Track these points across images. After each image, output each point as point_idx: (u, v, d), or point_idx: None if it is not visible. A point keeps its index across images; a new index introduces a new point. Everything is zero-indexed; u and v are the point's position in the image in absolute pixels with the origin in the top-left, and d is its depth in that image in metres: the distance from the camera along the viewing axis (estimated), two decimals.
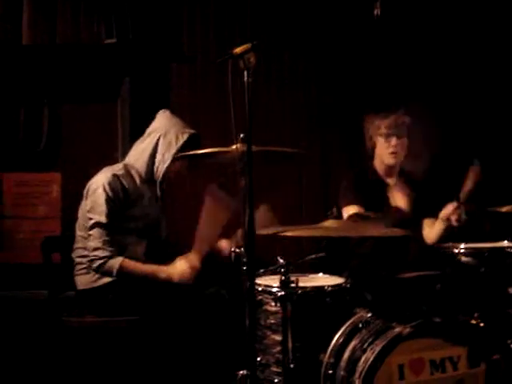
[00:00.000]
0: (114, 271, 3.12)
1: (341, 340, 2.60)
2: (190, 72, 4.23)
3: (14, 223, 4.07)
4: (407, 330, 2.32)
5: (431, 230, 3.28)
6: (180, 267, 3.18)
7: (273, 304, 2.95)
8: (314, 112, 4.42)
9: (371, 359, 2.27)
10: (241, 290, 2.81)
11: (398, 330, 2.36)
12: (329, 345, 2.68)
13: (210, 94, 4.12)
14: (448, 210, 3.07)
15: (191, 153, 2.93)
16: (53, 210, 4.06)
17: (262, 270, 2.66)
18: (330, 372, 2.54)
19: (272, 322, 2.95)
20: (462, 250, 2.53)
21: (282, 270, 2.56)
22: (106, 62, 4.00)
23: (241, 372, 2.78)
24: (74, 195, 3.45)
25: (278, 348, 2.90)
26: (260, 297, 2.90)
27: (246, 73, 2.29)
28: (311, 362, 2.73)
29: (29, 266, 3.87)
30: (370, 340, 2.39)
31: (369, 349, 2.33)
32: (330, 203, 2.87)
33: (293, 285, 2.66)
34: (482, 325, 2.34)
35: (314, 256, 2.57)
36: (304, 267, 2.78)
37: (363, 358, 2.33)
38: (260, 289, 2.91)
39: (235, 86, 2.31)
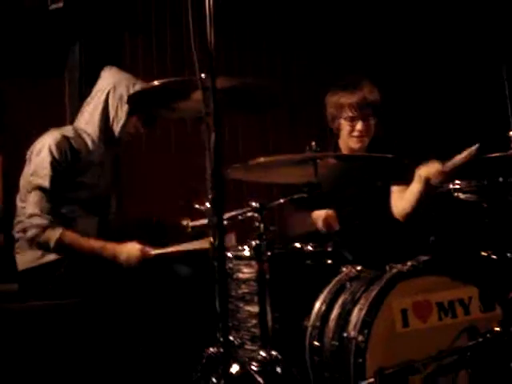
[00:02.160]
0: (52, 243, 2.68)
1: (327, 299, 2.21)
2: (144, 43, 3.83)
3: None
4: (408, 266, 1.96)
5: (403, 197, 2.88)
6: (130, 248, 2.75)
7: (245, 270, 2.66)
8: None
9: (367, 304, 1.89)
10: (204, 261, 2.57)
11: (396, 268, 2.00)
12: (312, 309, 2.35)
13: (167, 67, 3.77)
14: (430, 168, 2.70)
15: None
16: None
17: (233, 213, 2.31)
18: (316, 336, 2.18)
19: (245, 291, 2.60)
20: (457, 187, 2.21)
21: (256, 214, 2.24)
22: (52, 30, 3.57)
23: (210, 349, 2.54)
24: (16, 179, 3.01)
25: (254, 321, 2.55)
26: (229, 265, 2.60)
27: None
28: (294, 332, 2.35)
29: None
30: (363, 289, 2.01)
31: (362, 296, 1.96)
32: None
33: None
34: (493, 257, 1.99)
35: (293, 196, 2.24)
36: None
37: (356, 308, 1.95)
38: (229, 255, 2.61)
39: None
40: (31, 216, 2.70)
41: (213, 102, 1.93)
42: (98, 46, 3.72)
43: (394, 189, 2.97)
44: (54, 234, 2.68)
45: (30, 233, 2.69)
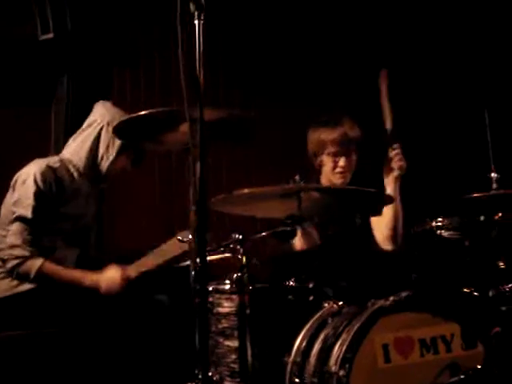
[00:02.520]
0: (32, 274, 2.64)
1: (308, 335, 2.18)
2: (132, 76, 3.86)
3: None
4: (389, 302, 1.94)
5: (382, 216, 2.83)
6: (110, 275, 2.72)
7: (226, 305, 2.63)
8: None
9: (348, 339, 1.87)
10: (185, 294, 2.53)
11: (378, 304, 1.98)
12: (293, 345, 2.32)
13: (155, 100, 3.77)
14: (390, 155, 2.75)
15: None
16: None
17: (213, 246, 2.29)
18: (297, 373, 2.14)
19: (225, 326, 2.57)
20: (439, 224, 2.22)
21: (238, 246, 2.22)
22: (42, 60, 3.60)
23: None
24: None
25: (233, 357, 2.51)
26: (209, 299, 2.56)
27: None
28: (274, 368, 2.29)
29: None
30: (345, 323, 1.98)
31: (344, 331, 1.93)
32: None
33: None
34: (475, 294, 1.99)
35: (276, 229, 2.22)
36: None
37: (338, 343, 1.92)
38: (210, 288, 2.58)
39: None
40: (12, 247, 2.66)
41: (200, 131, 1.96)
42: (87, 79, 3.73)
43: (373, 220, 2.94)
44: (34, 265, 2.64)
45: (10, 264, 2.64)
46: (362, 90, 3.99)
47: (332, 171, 2.95)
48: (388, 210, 2.80)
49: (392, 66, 2.90)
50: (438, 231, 2.17)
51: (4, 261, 2.67)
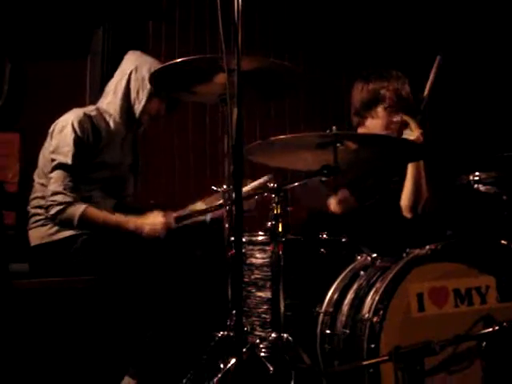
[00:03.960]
0: (75, 220, 2.66)
1: (340, 286, 2.20)
2: (167, 31, 3.86)
3: None
4: (425, 251, 1.92)
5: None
6: (153, 219, 2.74)
7: (258, 256, 2.63)
8: None
9: (382, 288, 1.86)
10: (219, 247, 2.55)
11: (414, 253, 1.97)
12: (325, 296, 2.30)
13: (189, 54, 3.78)
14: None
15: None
16: (10, 174, 3.66)
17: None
18: (328, 323, 2.15)
19: (257, 276, 2.59)
20: (476, 178, 2.19)
21: (273, 195, 2.19)
22: (77, 13, 3.60)
23: (220, 333, 2.51)
24: (34, 159, 2.99)
25: (265, 307, 2.53)
26: (242, 250, 2.56)
27: None
28: (305, 320, 2.32)
29: None
30: (379, 273, 1.99)
31: (378, 281, 1.93)
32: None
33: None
34: None
35: (311, 178, 2.20)
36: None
37: (371, 292, 1.93)
38: (243, 239, 2.59)
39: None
40: (54, 194, 2.68)
41: (237, 77, 1.94)
42: (122, 31, 3.73)
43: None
44: (77, 210, 2.67)
45: (54, 210, 2.67)
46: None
47: (385, 126, 2.86)
48: (408, 182, 2.76)
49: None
50: (476, 185, 2.14)
51: (47, 208, 2.70)
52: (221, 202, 2.57)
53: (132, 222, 2.73)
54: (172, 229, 2.77)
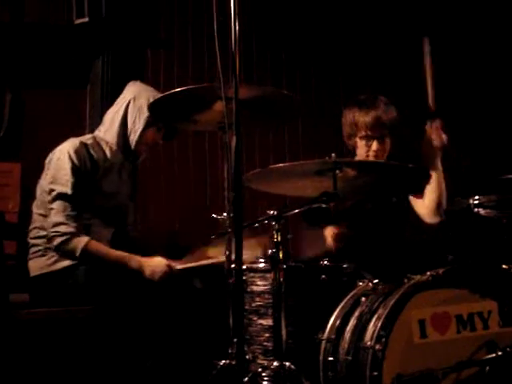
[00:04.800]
0: (78, 251, 2.65)
1: (343, 312, 2.18)
2: (166, 58, 3.92)
3: None
4: (426, 277, 1.92)
5: (425, 195, 2.81)
6: (156, 263, 2.71)
7: (260, 283, 2.63)
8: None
9: (384, 314, 1.86)
10: (219, 275, 2.54)
11: (415, 279, 1.97)
12: (327, 323, 2.28)
13: (188, 82, 3.75)
14: (428, 131, 2.70)
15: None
16: (11, 204, 3.67)
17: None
18: (331, 350, 2.14)
19: (259, 304, 2.58)
20: (476, 202, 2.19)
21: (273, 223, 2.22)
22: (77, 44, 3.59)
23: (221, 362, 2.49)
24: (34, 189, 3.00)
25: (267, 335, 2.52)
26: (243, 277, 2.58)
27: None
28: (308, 347, 2.29)
29: None
30: (381, 299, 1.98)
31: (380, 307, 1.92)
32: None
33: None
34: None
35: (311, 205, 2.20)
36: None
37: (374, 318, 1.91)
38: (244, 267, 2.58)
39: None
40: (57, 225, 2.68)
41: (235, 103, 1.95)
42: (121, 61, 3.70)
43: (414, 199, 2.89)
44: (80, 242, 2.66)
45: (56, 241, 2.67)
46: (400, 63, 3.95)
47: (365, 155, 2.91)
48: (431, 185, 2.75)
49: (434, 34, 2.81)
50: (476, 209, 2.14)
51: (50, 238, 2.69)
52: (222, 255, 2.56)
53: (134, 260, 2.71)
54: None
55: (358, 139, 2.92)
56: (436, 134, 2.74)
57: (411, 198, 2.90)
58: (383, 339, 1.84)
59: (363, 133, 2.88)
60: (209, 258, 2.76)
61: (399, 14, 4.18)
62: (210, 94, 2.41)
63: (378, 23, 4.21)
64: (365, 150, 2.91)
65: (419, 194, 2.85)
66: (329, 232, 2.89)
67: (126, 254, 2.74)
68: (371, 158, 2.90)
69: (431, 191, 2.76)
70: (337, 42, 4.20)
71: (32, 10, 3.69)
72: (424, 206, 2.83)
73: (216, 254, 2.72)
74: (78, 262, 2.70)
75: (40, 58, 3.70)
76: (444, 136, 2.73)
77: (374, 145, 2.87)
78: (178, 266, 2.76)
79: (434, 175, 2.73)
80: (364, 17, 4.21)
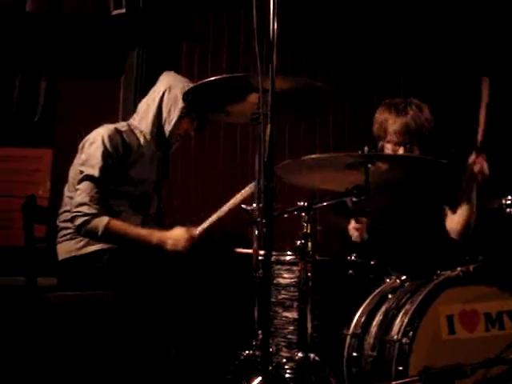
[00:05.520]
0: (99, 231, 2.67)
1: (369, 308, 2.17)
2: (200, 51, 3.93)
3: None
4: (456, 273, 1.90)
5: (457, 213, 2.77)
6: (177, 234, 2.73)
7: (286, 276, 2.63)
8: None
9: (412, 309, 1.84)
10: (246, 267, 2.55)
11: (445, 275, 1.94)
12: (353, 318, 2.27)
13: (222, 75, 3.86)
14: (470, 158, 2.63)
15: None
16: (41, 189, 3.71)
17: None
18: (356, 346, 2.13)
19: (284, 296, 2.59)
20: (509, 202, 2.16)
21: (303, 214, 2.22)
22: (113, 35, 3.70)
23: (245, 352, 2.50)
24: (65, 175, 3.01)
25: (291, 328, 2.53)
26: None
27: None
28: (332, 341, 2.29)
29: (13, 250, 3.48)
30: (408, 295, 1.96)
31: (407, 303, 1.90)
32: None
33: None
34: None
35: (343, 198, 2.19)
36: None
37: (401, 313, 1.90)
38: (272, 259, 2.57)
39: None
40: (80, 205, 2.70)
41: (271, 94, 1.95)
42: (156, 53, 3.81)
43: (448, 210, 2.86)
44: (101, 222, 2.68)
45: (78, 221, 2.69)
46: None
47: None
48: (463, 211, 2.73)
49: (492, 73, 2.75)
50: (508, 209, 2.11)
51: (72, 219, 2.72)
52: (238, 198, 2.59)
53: (155, 235, 2.73)
54: (196, 243, 2.75)
55: (385, 142, 2.87)
56: (479, 166, 2.65)
57: (445, 207, 2.88)
58: (410, 333, 1.82)
59: (390, 138, 2.82)
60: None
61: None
62: (243, 84, 2.43)
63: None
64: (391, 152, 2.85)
65: (453, 206, 2.82)
66: (352, 225, 2.84)
67: (147, 231, 2.76)
68: None
69: (463, 214, 2.72)
70: (370, 35, 4.14)
71: (70, 1, 3.78)
72: (454, 221, 2.79)
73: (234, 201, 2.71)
74: (105, 247, 2.71)
75: (76, 48, 3.80)
76: (486, 169, 2.65)
77: (401, 151, 2.80)
78: (198, 229, 2.76)
79: (468, 206, 2.69)
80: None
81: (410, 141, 2.81)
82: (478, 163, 2.65)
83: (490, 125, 2.65)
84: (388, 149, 2.87)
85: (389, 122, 2.84)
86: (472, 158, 2.65)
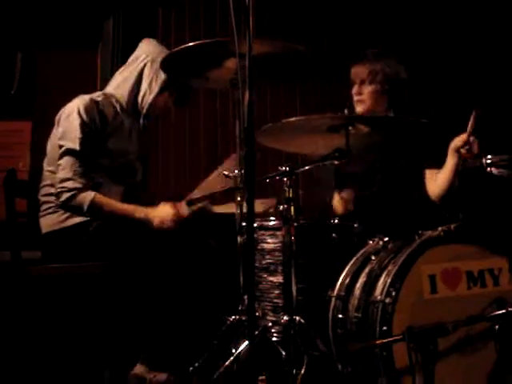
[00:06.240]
0: (85, 206, 2.64)
1: (353, 269, 2.19)
2: (177, 16, 3.88)
3: None
4: (438, 232, 1.92)
5: (437, 177, 2.81)
6: (163, 211, 2.70)
7: (270, 241, 2.62)
8: None
9: (394, 270, 1.86)
10: (230, 233, 2.54)
11: (426, 235, 1.97)
12: (337, 280, 2.30)
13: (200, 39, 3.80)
14: (458, 140, 2.62)
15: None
16: (21, 163, 3.67)
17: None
18: (340, 307, 2.16)
19: (269, 261, 2.59)
20: (489, 161, 2.16)
21: (285, 179, 2.21)
22: (88, 3, 3.63)
23: (231, 317, 2.51)
24: (45, 148, 3.00)
25: (277, 292, 2.54)
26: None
27: None
28: (317, 304, 2.32)
29: None
30: (391, 256, 1.98)
31: (390, 264, 1.92)
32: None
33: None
34: None
35: (324, 162, 2.19)
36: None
37: (384, 274, 1.92)
38: (254, 225, 2.58)
39: None
40: (64, 180, 2.67)
41: (248, 59, 1.92)
42: (132, 20, 3.74)
43: (427, 172, 2.89)
44: (87, 197, 2.65)
45: (64, 197, 2.66)
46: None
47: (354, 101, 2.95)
48: (444, 175, 2.72)
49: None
50: (488, 168, 2.13)
51: (57, 194, 2.69)
52: (223, 187, 2.58)
53: (140, 211, 2.70)
54: (183, 220, 2.73)
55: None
56: (467, 148, 2.61)
57: (426, 171, 2.88)
58: (393, 293, 1.84)
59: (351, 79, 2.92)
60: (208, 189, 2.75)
61: None
62: (222, 50, 2.40)
63: None
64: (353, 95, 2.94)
65: (433, 167, 2.84)
66: (337, 197, 2.90)
67: (132, 206, 2.73)
68: (357, 103, 2.90)
69: (444, 178, 2.71)
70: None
71: None
72: (435, 184, 2.80)
73: (214, 183, 2.70)
74: (89, 219, 2.70)
75: (51, 18, 3.71)
76: (476, 150, 2.58)
77: (355, 87, 2.89)
78: (183, 203, 2.72)
79: (450, 162, 2.68)
80: None
81: (363, 77, 2.87)
82: (466, 148, 2.61)
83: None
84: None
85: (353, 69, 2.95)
86: (459, 141, 2.62)
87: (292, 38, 3.86)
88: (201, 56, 2.48)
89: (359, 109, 2.91)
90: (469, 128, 2.54)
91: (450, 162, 2.70)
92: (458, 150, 2.63)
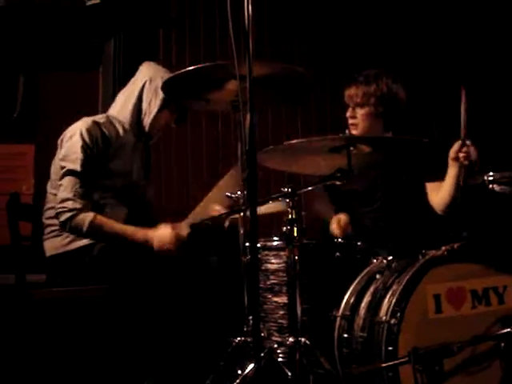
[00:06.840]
0: (84, 227, 2.65)
1: (357, 288, 2.20)
2: (177, 38, 3.91)
3: None
4: (441, 252, 1.93)
5: (440, 189, 2.79)
6: (163, 233, 2.69)
7: (274, 261, 2.64)
8: None
9: (399, 290, 1.87)
10: (234, 254, 2.54)
11: (430, 254, 1.97)
12: (342, 300, 2.30)
13: (200, 61, 3.83)
14: (454, 147, 2.63)
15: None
16: (25, 186, 3.69)
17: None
18: (346, 327, 2.14)
19: (273, 282, 2.60)
20: (491, 178, 2.18)
21: (287, 200, 2.22)
22: (89, 26, 3.64)
23: (237, 339, 2.51)
24: (47, 169, 2.97)
25: (281, 312, 2.55)
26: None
27: None
28: (322, 324, 2.31)
29: None
30: (396, 275, 1.98)
31: (394, 283, 1.93)
32: None
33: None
34: None
35: (326, 182, 2.20)
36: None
37: (389, 294, 1.92)
38: (258, 245, 2.57)
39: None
40: (64, 201, 2.68)
41: (248, 80, 1.93)
42: (133, 42, 3.76)
43: (429, 186, 2.88)
44: (86, 217, 2.66)
45: (63, 217, 2.67)
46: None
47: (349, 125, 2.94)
48: (447, 187, 2.72)
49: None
50: (490, 185, 2.13)
51: (57, 215, 2.70)
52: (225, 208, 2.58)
53: (141, 233, 2.70)
54: (184, 240, 2.72)
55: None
56: (464, 154, 2.62)
57: (427, 184, 2.87)
58: (398, 314, 1.84)
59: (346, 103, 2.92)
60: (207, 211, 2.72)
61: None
62: (222, 72, 2.43)
63: None
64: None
65: (434, 181, 2.83)
66: (335, 224, 2.86)
67: (132, 228, 2.73)
68: (351, 127, 2.86)
69: (447, 189, 2.71)
70: (349, 22, 4.14)
71: None
72: (438, 196, 2.79)
73: (218, 203, 2.68)
74: (93, 242, 2.70)
75: (52, 41, 3.74)
76: (474, 155, 2.61)
77: (349, 111, 2.88)
78: (183, 225, 2.70)
79: (452, 171, 2.69)
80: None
81: (357, 101, 2.86)
82: (463, 152, 2.62)
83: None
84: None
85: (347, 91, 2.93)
86: (455, 147, 2.63)
87: (292, 60, 3.96)
88: (201, 79, 2.50)
89: (353, 132, 2.87)
90: (462, 106, 2.53)
91: (451, 171, 2.71)
92: (456, 158, 2.63)
